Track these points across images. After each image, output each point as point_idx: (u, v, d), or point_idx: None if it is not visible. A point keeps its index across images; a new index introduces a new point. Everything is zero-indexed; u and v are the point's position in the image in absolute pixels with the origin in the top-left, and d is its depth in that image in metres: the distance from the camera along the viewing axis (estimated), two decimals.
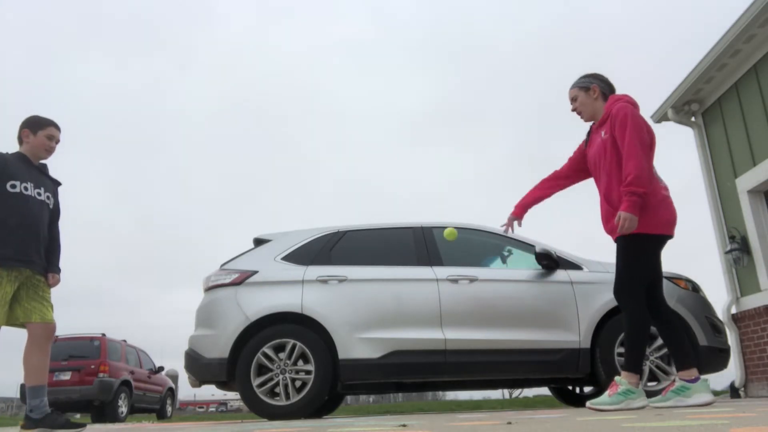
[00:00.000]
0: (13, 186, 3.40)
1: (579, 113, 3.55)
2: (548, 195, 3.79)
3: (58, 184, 3.74)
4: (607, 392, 3.22)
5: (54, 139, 3.59)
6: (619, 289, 3.31)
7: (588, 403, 3.22)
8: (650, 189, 3.22)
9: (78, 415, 12.67)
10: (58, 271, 3.60)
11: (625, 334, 3.28)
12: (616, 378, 3.25)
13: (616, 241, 3.37)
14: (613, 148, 3.31)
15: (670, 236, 3.32)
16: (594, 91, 3.47)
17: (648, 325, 3.26)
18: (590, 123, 3.59)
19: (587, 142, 3.62)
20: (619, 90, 3.57)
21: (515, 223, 3.82)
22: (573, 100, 3.56)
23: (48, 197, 3.60)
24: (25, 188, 3.44)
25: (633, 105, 3.36)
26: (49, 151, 3.60)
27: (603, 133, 3.38)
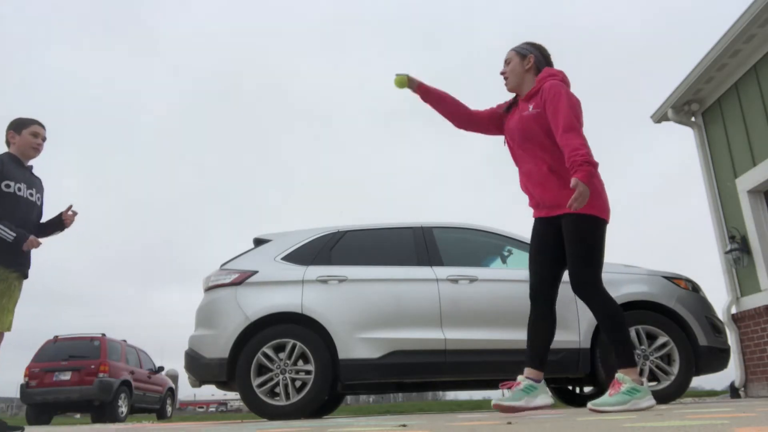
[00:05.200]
0: (8, 186, 3.43)
1: (506, 78, 3.36)
2: (450, 109, 3.44)
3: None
4: (608, 392, 3.05)
5: (39, 136, 3.64)
6: (581, 281, 3.09)
7: (589, 405, 3.05)
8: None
9: (78, 415, 12.69)
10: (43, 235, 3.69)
11: (605, 328, 3.07)
12: (617, 375, 3.06)
13: (564, 220, 3.13)
14: (540, 122, 3.14)
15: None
16: (529, 61, 3.29)
17: (621, 309, 3.10)
18: (514, 94, 3.40)
19: (509, 109, 3.40)
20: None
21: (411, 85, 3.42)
22: (506, 62, 3.36)
23: (38, 198, 3.66)
24: (19, 189, 3.48)
25: (566, 83, 3.22)
26: (37, 149, 3.65)
27: (531, 107, 3.19)
